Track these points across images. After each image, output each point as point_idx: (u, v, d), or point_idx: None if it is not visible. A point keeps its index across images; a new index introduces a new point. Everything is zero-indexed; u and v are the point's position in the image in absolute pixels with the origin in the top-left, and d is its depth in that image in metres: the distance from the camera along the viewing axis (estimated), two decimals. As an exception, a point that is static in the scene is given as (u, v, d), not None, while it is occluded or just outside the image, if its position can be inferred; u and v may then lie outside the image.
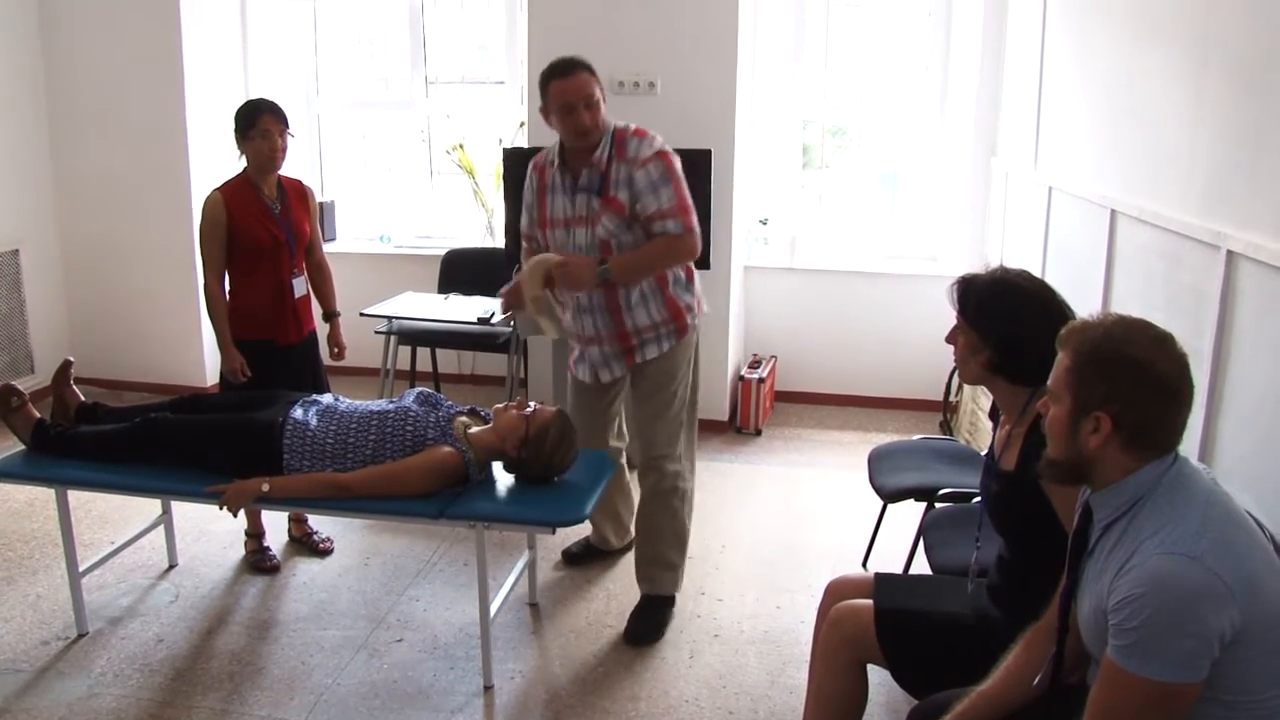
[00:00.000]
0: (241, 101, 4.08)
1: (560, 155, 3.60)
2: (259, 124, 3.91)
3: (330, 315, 4.34)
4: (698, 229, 3.52)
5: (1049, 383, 1.93)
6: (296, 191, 4.15)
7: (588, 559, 4.21)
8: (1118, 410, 1.81)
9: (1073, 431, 1.86)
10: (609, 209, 3.48)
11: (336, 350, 4.35)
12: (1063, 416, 1.87)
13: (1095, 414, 1.82)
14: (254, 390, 3.88)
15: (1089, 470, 1.87)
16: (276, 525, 4.38)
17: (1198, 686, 1.71)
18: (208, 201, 3.93)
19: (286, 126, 3.98)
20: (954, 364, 2.54)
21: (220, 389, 3.90)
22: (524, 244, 3.85)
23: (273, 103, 3.99)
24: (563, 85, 3.45)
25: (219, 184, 3.99)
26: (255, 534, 4.25)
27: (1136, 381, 1.80)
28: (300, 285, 4.13)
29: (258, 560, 4.19)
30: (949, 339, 2.51)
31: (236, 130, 3.96)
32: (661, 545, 3.79)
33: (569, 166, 3.57)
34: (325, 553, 4.29)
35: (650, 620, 3.73)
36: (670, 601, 3.82)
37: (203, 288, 3.99)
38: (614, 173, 3.48)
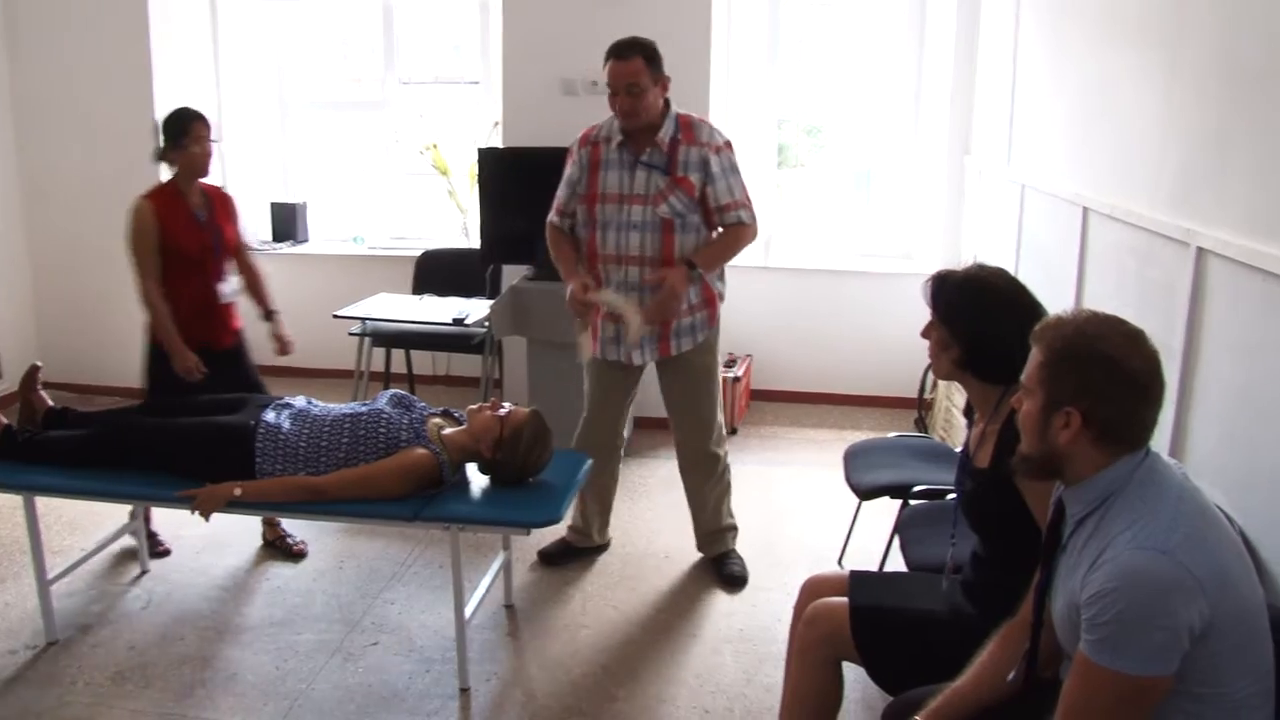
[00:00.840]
0: (194, 104, 4.10)
1: (622, 131, 3.70)
2: (192, 131, 3.95)
3: (269, 314, 4.35)
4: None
5: (1023, 378, 1.94)
6: (220, 199, 4.19)
7: (565, 559, 4.20)
8: (1088, 406, 1.81)
9: (1044, 426, 1.86)
10: (679, 188, 3.64)
11: (281, 346, 4.35)
12: (1035, 412, 1.88)
13: (1066, 409, 1.83)
14: (200, 395, 3.87)
15: (1061, 466, 1.88)
16: (251, 529, 4.35)
17: (1169, 680, 1.72)
18: (137, 210, 3.93)
19: (211, 131, 4.05)
20: (928, 360, 2.54)
21: (148, 394, 3.90)
22: (555, 218, 3.92)
23: (199, 111, 4.02)
24: (611, 67, 3.61)
25: (145, 192, 4.00)
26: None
27: (1107, 377, 1.81)
28: (226, 291, 4.16)
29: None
30: (923, 334, 2.52)
31: (168, 139, 3.97)
32: (722, 516, 4.12)
33: (630, 143, 3.66)
34: (299, 555, 4.27)
35: (739, 562, 4.09)
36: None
37: (141, 295, 3.98)
38: (682, 154, 3.64)
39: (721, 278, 3.90)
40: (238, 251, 4.22)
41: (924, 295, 2.50)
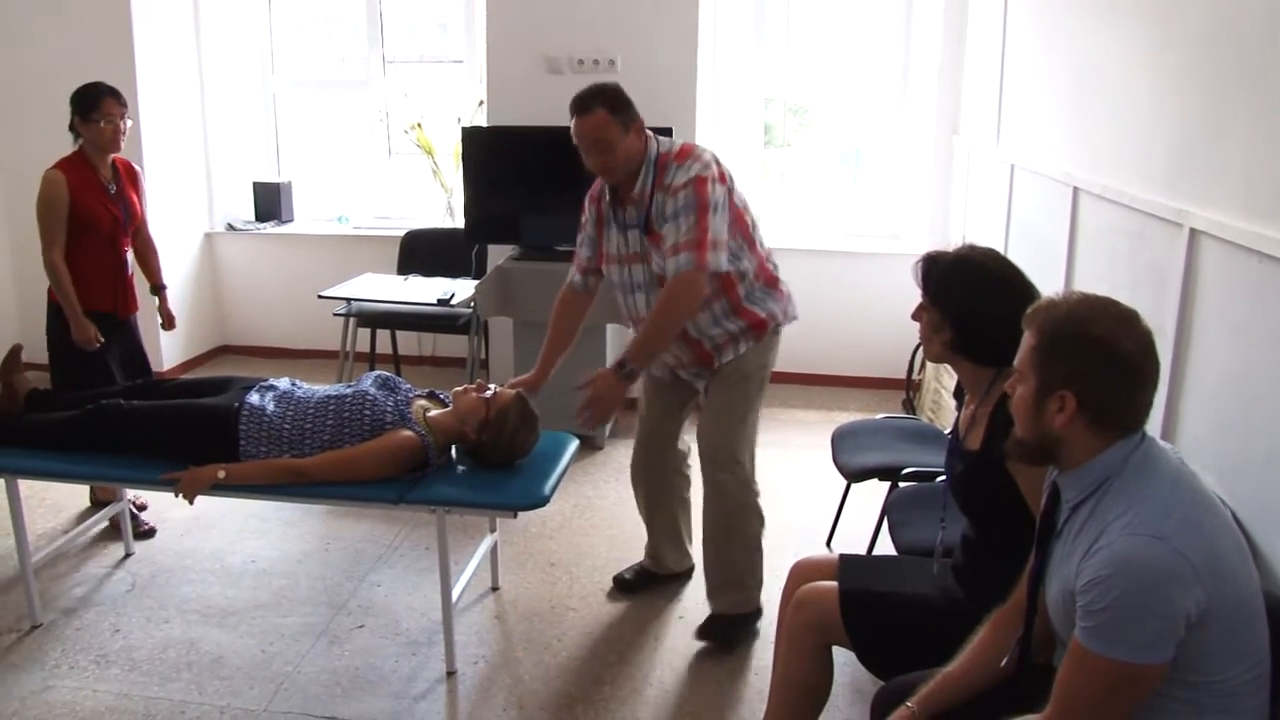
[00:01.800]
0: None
1: (609, 188, 3.42)
2: (101, 107, 4.01)
3: (158, 288, 4.48)
4: (715, 263, 3.20)
5: (1015, 362, 1.92)
6: (128, 171, 4.27)
7: (643, 585, 3.89)
8: (1082, 389, 1.79)
9: (1038, 411, 1.84)
10: (655, 246, 3.30)
11: (166, 321, 4.49)
12: (1028, 396, 1.86)
13: (1060, 393, 1.81)
14: (97, 363, 4.04)
15: (1055, 450, 1.86)
16: (237, 510, 4.34)
17: (1163, 667, 1.70)
18: (47, 179, 4.00)
19: (126, 109, 4.09)
20: (917, 342, 2.52)
21: (53, 364, 3.93)
22: (576, 276, 3.61)
23: (112, 87, 4.08)
24: (575, 125, 3.25)
25: (54, 162, 4.08)
26: (104, 501, 4.31)
27: (1100, 360, 1.79)
28: (131, 261, 4.30)
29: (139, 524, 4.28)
30: (914, 316, 2.50)
31: (76, 112, 4.04)
32: (729, 563, 3.55)
33: (619, 199, 3.39)
34: (149, 534, 4.30)
35: (720, 637, 3.53)
36: (741, 620, 3.57)
37: (45, 262, 4.03)
38: (655, 205, 3.28)
39: (769, 293, 3.47)
40: (138, 224, 4.31)
41: (914, 277, 2.48)
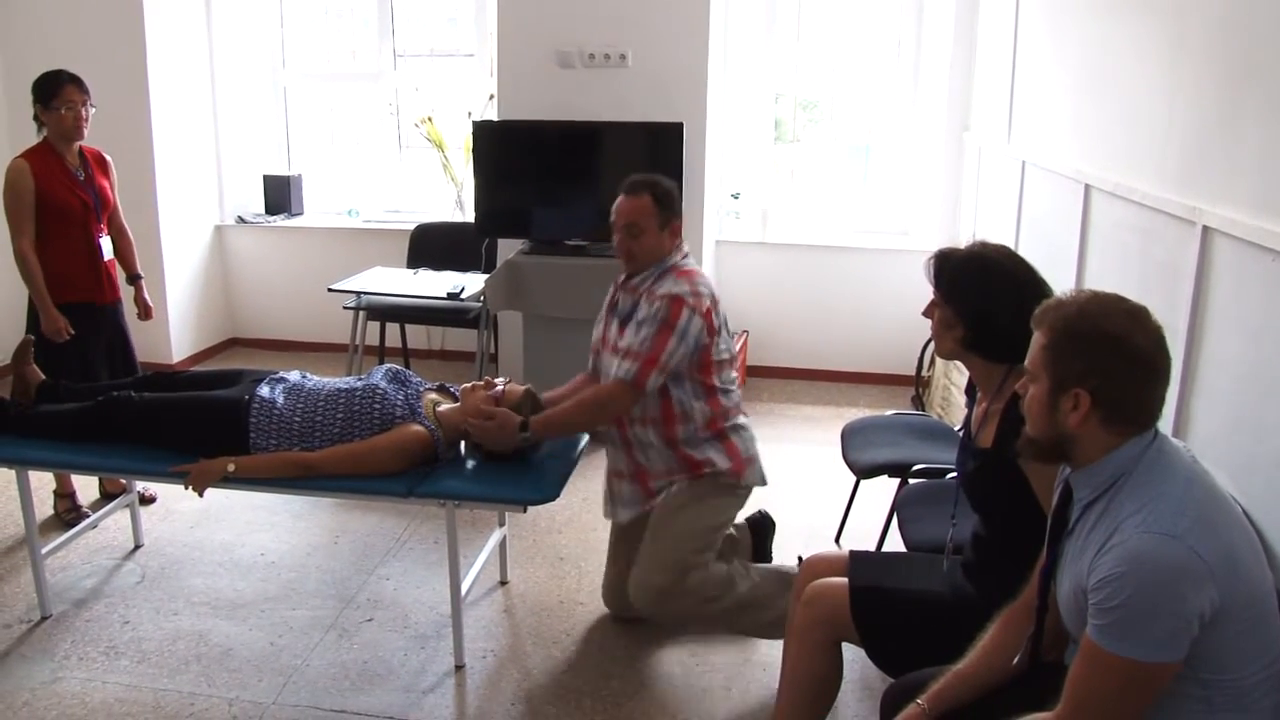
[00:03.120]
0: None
1: (625, 273, 3.42)
2: (62, 94, 4.03)
3: (134, 278, 4.47)
4: (649, 383, 3.16)
5: (1026, 362, 1.91)
6: (97, 160, 4.27)
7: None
8: (1096, 385, 1.79)
9: (1052, 410, 1.84)
10: (619, 338, 3.31)
11: (142, 311, 4.48)
12: (1041, 395, 1.85)
13: (1074, 391, 1.80)
14: (74, 352, 4.05)
15: (1069, 448, 1.85)
16: (246, 504, 4.35)
17: (1176, 666, 1.70)
18: (12, 168, 4.01)
19: (88, 97, 4.10)
20: (927, 338, 2.52)
21: (19, 359, 3.78)
22: (590, 356, 3.55)
23: (73, 74, 4.09)
24: (620, 203, 3.31)
25: (20, 152, 4.10)
26: (66, 493, 4.34)
27: (1113, 356, 1.79)
28: (107, 247, 4.27)
29: (71, 519, 4.25)
30: (925, 312, 2.49)
31: (37, 101, 4.06)
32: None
33: (625, 289, 3.40)
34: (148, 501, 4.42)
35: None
36: None
37: (14, 252, 4.05)
38: (642, 307, 3.26)
39: (715, 442, 3.32)
40: (112, 214, 4.31)
41: (926, 273, 2.48)
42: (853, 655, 2.67)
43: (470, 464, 3.39)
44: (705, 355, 3.25)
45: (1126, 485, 1.79)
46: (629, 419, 3.33)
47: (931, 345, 5.24)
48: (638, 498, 3.40)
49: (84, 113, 4.07)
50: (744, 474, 3.35)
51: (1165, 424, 2.61)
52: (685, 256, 3.36)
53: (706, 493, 3.33)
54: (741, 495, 3.42)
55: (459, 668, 3.34)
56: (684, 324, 3.16)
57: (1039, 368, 1.86)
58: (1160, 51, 3.04)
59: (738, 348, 5.72)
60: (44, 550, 3.64)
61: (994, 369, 2.40)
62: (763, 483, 3.43)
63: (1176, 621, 1.67)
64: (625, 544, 3.50)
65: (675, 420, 3.28)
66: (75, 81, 4.05)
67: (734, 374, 3.42)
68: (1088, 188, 3.57)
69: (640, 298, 3.28)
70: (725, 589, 3.30)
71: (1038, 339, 1.88)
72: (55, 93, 4.01)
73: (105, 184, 4.24)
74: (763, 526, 3.72)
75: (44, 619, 3.60)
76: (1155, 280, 2.96)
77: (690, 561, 3.26)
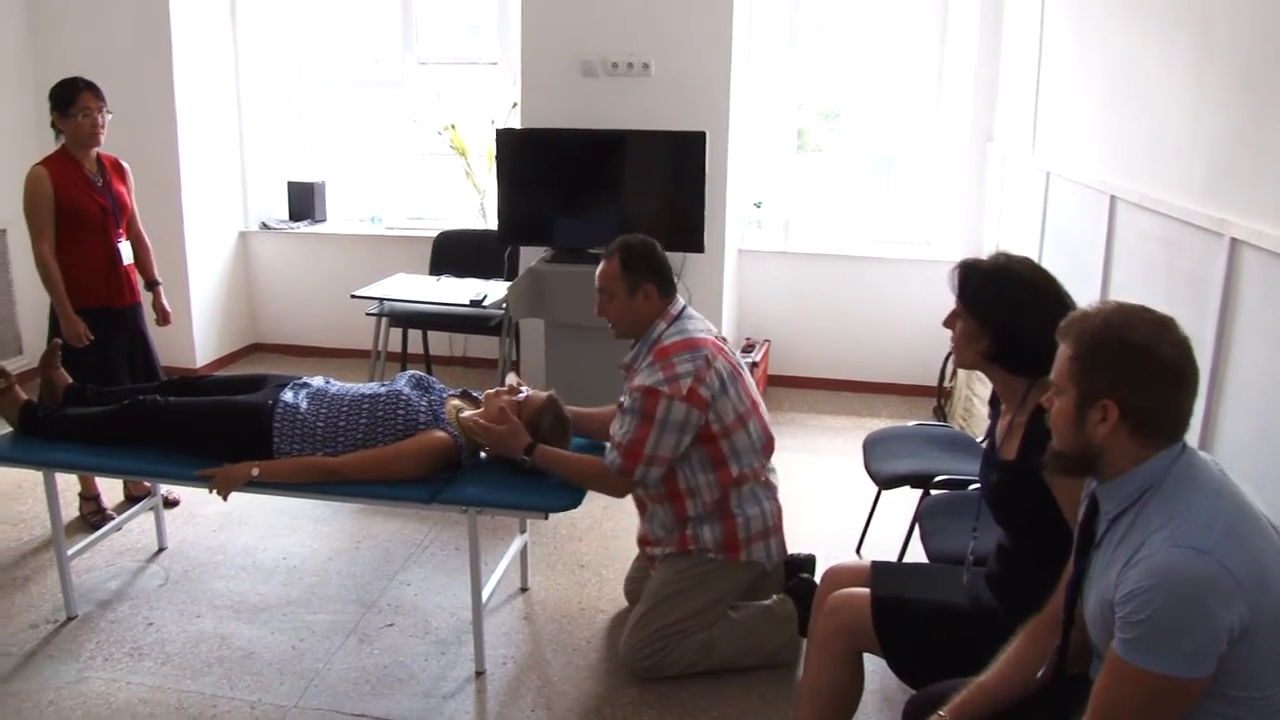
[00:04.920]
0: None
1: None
2: (79, 101, 4.06)
3: (152, 284, 4.49)
4: (642, 477, 3.16)
5: (1052, 375, 1.91)
6: (115, 166, 4.30)
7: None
8: (1124, 397, 1.78)
9: (1080, 422, 1.83)
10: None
11: (160, 317, 4.50)
12: (1068, 408, 1.85)
13: (1102, 402, 1.80)
14: (92, 356, 4.07)
15: (1097, 461, 1.84)
16: (269, 508, 4.38)
17: (1204, 681, 1.69)
18: (32, 175, 4.05)
19: (105, 103, 4.13)
20: (949, 349, 2.52)
21: (47, 363, 3.82)
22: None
23: (89, 81, 4.11)
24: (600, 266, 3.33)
25: (39, 159, 4.13)
26: (91, 496, 4.38)
27: (1140, 367, 1.78)
28: (126, 252, 4.29)
29: (96, 520, 4.28)
30: (947, 323, 2.49)
31: (55, 108, 4.09)
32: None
33: (626, 368, 3.39)
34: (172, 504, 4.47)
35: None
36: None
37: (35, 258, 4.08)
38: (625, 392, 3.25)
39: (719, 523, 3.26)
40: (130, 220, 4.34)
41: (950, 284, 2.47)
42: (873, 666, 2.67)
43: (492, 471, 3.39)
44: (704, 430, 3.17)
45: (1154, 498, 1.79)
46: (640, 502, 3.38)
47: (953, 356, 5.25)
48: (644, 558, 3.51)
49: (100, 119, 4.10)
50: (738, 557, 3.27)
51: (1193, 436, 2.61)
52: (675, 320, 3.28)
53: (695, 571, 3.28)
54: (739, 570, 3.31)
55: (479, 674, 3.35)
56: (662, 415, 3.09)
57: (1066, 380, 1.85)
58: (1187, 62, 3.03)
59: (759, 357, 5.75)
60: (70, 552, 3.66)
61: (1016, 381, 2.40)
62: (767, 561, 3.33)
63: (1205, 636, 1.66)
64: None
65: (683, 497, 3.26)
66: (91, 88, 4.08)
67: (752, 430, 3.27)
68: (1113, 199, 3.56)
69: (630, 378, 3.27)
70: (706, 654, 3.29)
71: (1064, 351, 1.87)
72: (72, 100, 4.03)
73: (123, 190, 4.27)
74: (803, 592, 3.45)
75: (70, 619, 3.63)
76: (1182, 291, 2.94)
77: (672, 634, 3.26)
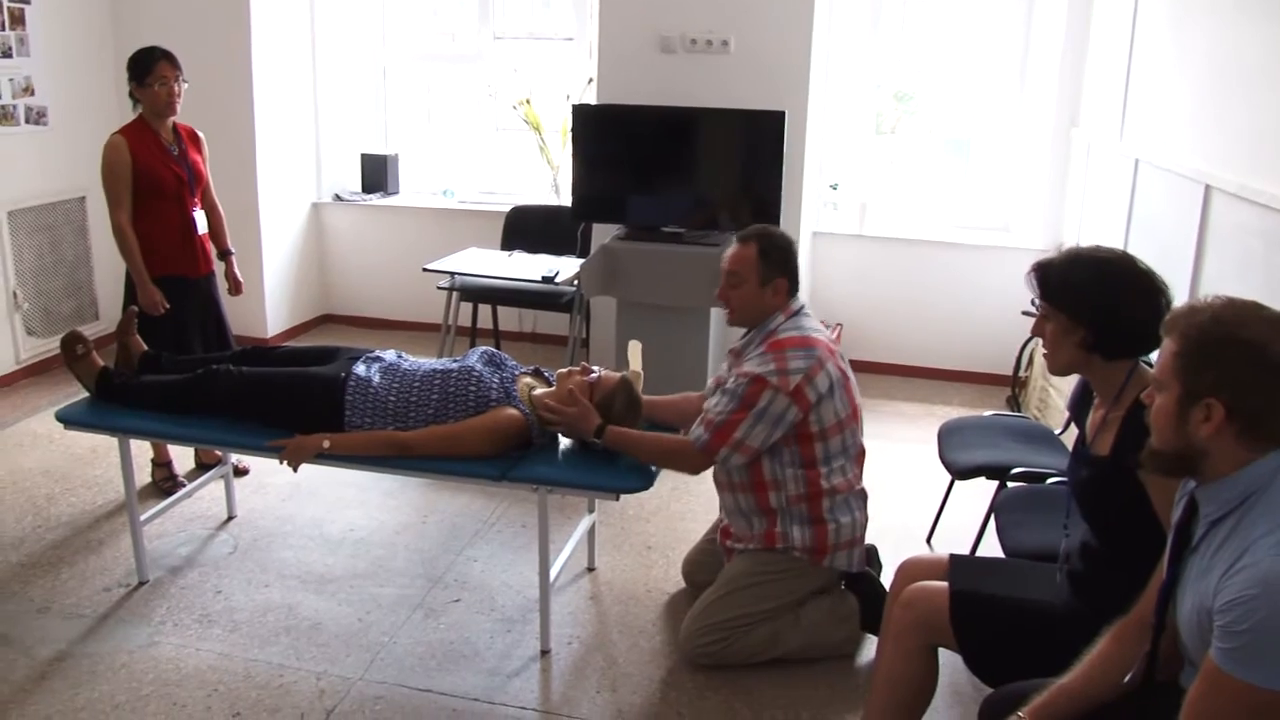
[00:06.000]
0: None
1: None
2: (156, 70, 4.08)
3: (225, 254, 4.51)
4: (725, 459, 3.13)
5: (1154, 371, 1.83)
6: (190, 135, 4.34)
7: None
8: (1231, 396, 1.70)
9: (1181, 421, 1.75)
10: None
11: (232, 286, 4.53)
12: (1170, 405, 1.77)
13: (1206, 401, 1.72)
14: (165, 324, 4.13)
15: (1198, 462, 1.77)
16: (338, 480, 4.40)
17: (1309, 696, 1.61)
18: (110, 145, 4.07)
19: (181, 72, 4.14)
20: (1026, 338, 2.44)
21: (123, 330, 3.82)
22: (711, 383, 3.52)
23: (166, 50, 4.13)
24: (730, 250, 3.26)
25: (118, 128, 4.15)
26: (163, 462, 4.43)
27: (1251, 365, 1.70)
28: (201, 221, 4.33)
29: (168, 487, 4.33)
30: (1035, 331, 2.42)
31: (132, 78, 4.11)
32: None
33: (733, 353, 3.36)
34: (242, 473, 4.53)
35: None
36: None
37: (113, 227, 4.12)
38: (731, 374, 3.20)
39: (809, 525, 3.19)
40: (204, 187, 4.37)
41: (1029, 287, 2.39)
42: (944, 659, 2.61)
43: (563, 449, 3.37)
44: (802, 429, 3.13)
45: (1260, 503, 1.70)
46: (719, 481, 3.34)
47: (1031, 345, 5.12)
48: (720, 544, 3.44)
49: (177, 88, 4.12)
50: (823, 560, 3.23)
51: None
52: (793, 316, 3.23)
53: (775, 568, 3.24)
54: (819, 574, 3.27)
55: (544, 653, 3.34)
56: (763, 406, 3.05)
57: (1168, 376, 1.77)
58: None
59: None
60: (142, 518, 3.70)
61: (1115, 372, 2.31)
62: (849, 569, 3.28)
63: None
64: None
65: (767, 488, 3.21)
66: (168, 57, 4.10)
67: (847, 437, 3.21)
68: (1208, 188, 3.44)
69: (734, 369, 3.22)
70: (768, 648, 3.25)
71: (1168, 346, 1.79)
72: (149, 69, 4.06)
73: (198, 159, 4.30)
74: (865, 585, 3.41)
75: (141, 584, 3.68)
76: (1280, 287, 2.83)
77: (737, 627, 3.22)
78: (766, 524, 3.24)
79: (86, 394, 3.64)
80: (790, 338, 3.14)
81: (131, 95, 4.14)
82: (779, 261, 3.21)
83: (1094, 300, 2.30)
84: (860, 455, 3.32)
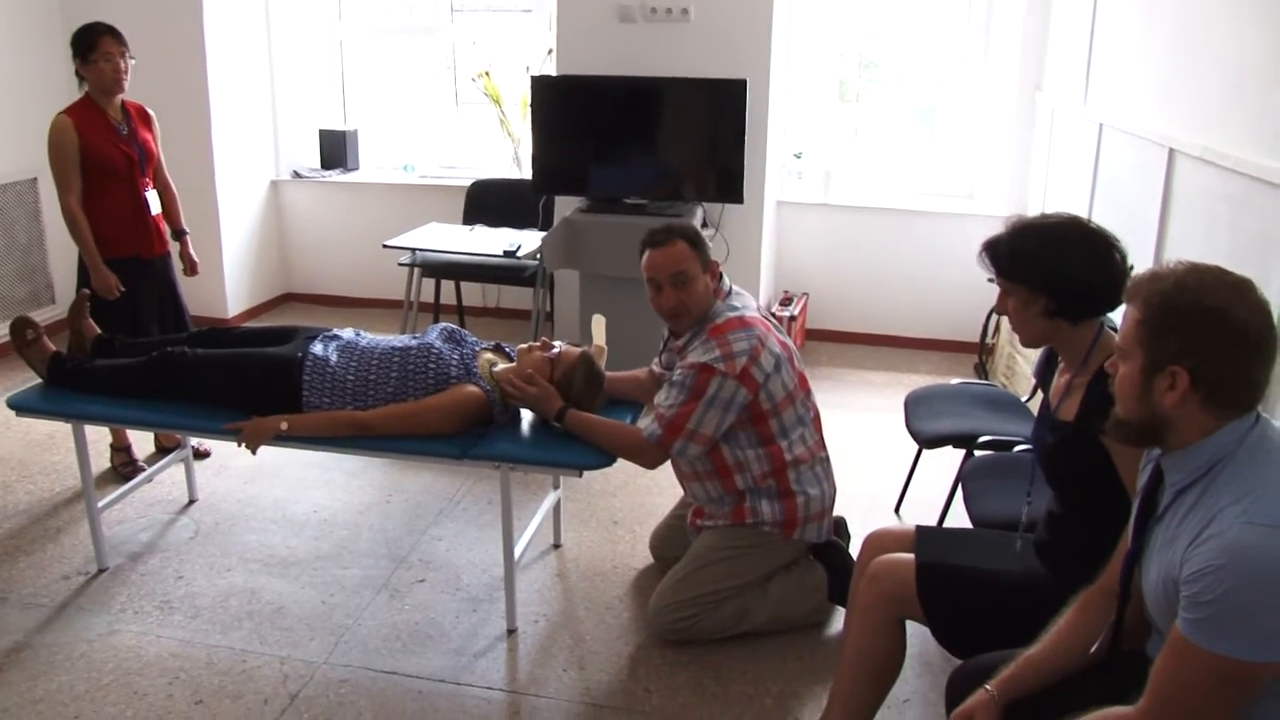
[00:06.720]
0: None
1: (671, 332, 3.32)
2: (99, 46, 3.97)
3: (179, 234, 4.41)
4: (680, 451, 3.11)
5: (1118, 339, 1.80)
6: (140, 113, 4.22)
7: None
8: (1195, 364, 1.67)
9: (1146, 389, 1.73)
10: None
11: (188, 267, 4.43)
12: (1134, 374, 1.74)
13: (1170, 369, 1.69)
14: (119, 305, 4.03)
15: (1163, 431, 1.74)
16: (298, 461, 4.35)
17: (1275, 667, 1.59)
18: (55, 125, 3.97)
19: (127, 48, 4.03)
20: (992, 305, 2.43)
21: (75, 314, 3.73)
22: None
23: (110, 25, 4.03)
24: (650, 258, 3.16)
25: (64, 108, 4.03)
26: (122, 447, 4.36)
27: (1214, 332, 1.67)
28: (154, 201, 4.22)
29: (127, 472, 4.25)
30: (998, 309, 2.40)
31: (76, 55, 4.01)
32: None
33: (670, 352, 3.31)
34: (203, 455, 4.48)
35: None
36: None
37: (62, 209, 4.02)
38: (676, 366, 3.16)
39: (777, 498, 3.17)
40: (157, 168, 4.27)
41: (984, 268, 2.37)
42: (912, 630, 2.59)
43: (525, 426, 3.33)
44: (754, 409, 3.11)
45: (1225, 471, 1.68)
46: (682, 474, 3.33)
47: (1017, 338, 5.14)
48: (690, 524, 3.40)
49: (123, 64, 4.01)
50: (793, 534, 3.22)
51: (1268, 406, 2.50)
52: (726, 297, 3.21)
53: (746, 543, 3.22)
54: (789, 547, 3.26)
55: (511, 632, 3.31)
56: (713, 393, 3.03)
57: (1132, 344, 1.75)
58: (1258, 7, 2.88)
59: (797, 310, 5.65)
60: (101, 504, 3.64)
61: (1082, 334, 2.29)
62: (818, 540, 3.28)
63: (1278, 620, 1.56)
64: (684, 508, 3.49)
65: (731, 471, 3.19)
66: (112, 32, 3.99)
67: (799, 406, 3.20)
68: (1172, 152, 3.42)
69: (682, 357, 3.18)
70: (736, 622, 3.23)
71: (1130, 313, 1.76)
72: (92, 45, 3.95)
73: (149, 137, 4.20)
74: (833, 556, 3.40)
75: (100, 572, 3.62)
76: (1247, 251, 2.81)
77: (706, 603, 3.20)
78: (736, 501, 3.22)
79: (38, 380, 3.56)
80: (728, 320, 3.12)
81: (78, 73, 4.03)
82: (704, 245, 3.20)
83: (1047, 265, 2.28)
84: (816, 419, 3.31)
